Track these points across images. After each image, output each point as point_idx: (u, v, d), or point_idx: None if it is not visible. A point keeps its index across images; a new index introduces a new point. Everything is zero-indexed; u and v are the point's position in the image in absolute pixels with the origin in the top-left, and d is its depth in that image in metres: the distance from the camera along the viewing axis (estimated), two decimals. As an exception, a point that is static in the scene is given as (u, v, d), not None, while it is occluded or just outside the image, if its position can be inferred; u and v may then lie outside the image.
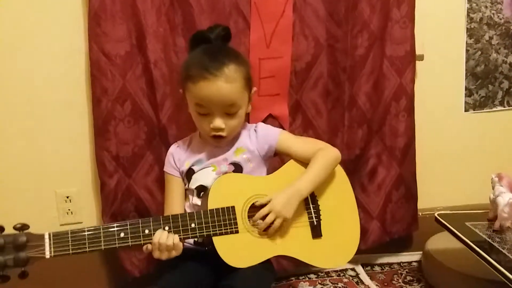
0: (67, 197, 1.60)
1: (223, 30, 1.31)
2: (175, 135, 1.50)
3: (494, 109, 1.81)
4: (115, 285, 1.65)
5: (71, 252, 1.07)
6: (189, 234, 1.15)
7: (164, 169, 1.37)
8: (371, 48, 1.60)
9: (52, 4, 1.47)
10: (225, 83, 1.19)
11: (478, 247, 1.25)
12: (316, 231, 1.27)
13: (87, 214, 1.62)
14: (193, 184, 1.30)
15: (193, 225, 1.15)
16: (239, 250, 1.18)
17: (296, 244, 1.25)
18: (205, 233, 1.15)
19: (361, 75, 1.61)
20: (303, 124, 1.60)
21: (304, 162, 1.31)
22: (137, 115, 1.49)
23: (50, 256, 1.05)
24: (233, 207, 1.19)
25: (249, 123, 1.46)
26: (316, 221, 1.28)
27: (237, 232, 1.18)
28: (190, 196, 1.31)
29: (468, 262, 1.42)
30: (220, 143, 1.29)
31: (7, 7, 1.45)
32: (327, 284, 1.65)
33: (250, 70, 1.29)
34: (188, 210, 1.31)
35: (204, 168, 1.30)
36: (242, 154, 1.31)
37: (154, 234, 1.11)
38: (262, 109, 1.54)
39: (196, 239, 1.26)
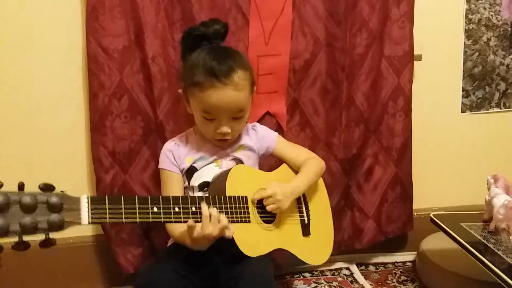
0: (62, 192, 1.58)
1: (223, 27, 1.28)
2: (172, 131, 1.49)
3: (491, 110, 1.82)
4: (109, 282, 1.64)
5: (108, 219, 0.94)
6: None
7: (162, 167, 1.33)
8: (370, 47, 1.59)
9: (50, -3, 1.46)
10: (234, 91, 1.19)
11: (473, 248, 1.25)
12: (306, 230, 1.35)
13: (82, 209, 1.61)
14: (196, 181, 1.29)
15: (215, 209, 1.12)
16: (250, 239, 1.18)
17: (291, 239, 1.30)
18: None
19: (359, 74, 1.61)
20: (300, 122, 1.60)
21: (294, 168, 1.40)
22: (134, 111, 1.49)
23: (88, 222, 0.91)
24: (246, 197, 1.20)
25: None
26: (307, 220, 1.35)
27: (248, 221, 1.19)
28: (190, 192, 1.31)
29: (462, 263, 1.43)
30: (224, 144, 1.30)
31: (5, 1, 1.44)
32: (322, 283, 1.65)
33: (253, 71, 1.30)
34: None
35: (206, 164, 1.30)
36: (243, 150, 1.34)
37: (196, 209, 1.06)
38: (260, 106, 1.54)
39: None
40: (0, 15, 1.44)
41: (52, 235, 0.85)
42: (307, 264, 1.37)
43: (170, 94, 1.48)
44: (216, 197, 1.13)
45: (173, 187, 1.31)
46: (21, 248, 0.82)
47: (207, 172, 1.29)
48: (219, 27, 1.27)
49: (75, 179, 1.58)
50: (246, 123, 1.41)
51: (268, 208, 1.21)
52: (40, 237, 0.85)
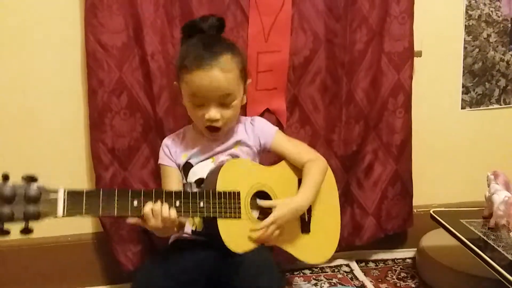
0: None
1: (218, 20, 1.29)
2: (171, 128, 1.49)
3: (491, 107, 1.81)
4: (109, 280, 1.64)
5: (84, 213, 0.99)
6: (197, 213, 1.13)
7: (160, 162, 1.34)
8: (370, 44, 1.59)
9: (48, -6, 1.46)
10: (220, 72, 1.19)
11: (473, 244, 1.25)
12: (305, 227, 1.33)
13: (81, 207, 1.60)
14: (192, 178, 1.29)
15: (202, 204, 1.13)
16: (239, 235, 1.18)
17: (287, 237, 1.28)
18: (211, 214, 1.14)
19: (359, 70, 1.60)
20: (300, 119, 1.59)
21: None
22: (134, 108, 1.48)
23: (63, 215, 0.97)
24: (238, 193, 1.19)
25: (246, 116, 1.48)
26: (307, 217, 1.33)
27: (239, 217, 1.18)
28: (188, 188, 1.28)
29: (462, 259, 1.42)
30: (215, 136, 1.28)
31: (3, -3, 1.43)
32: (322, 280, 1.65)
33: (246, 61, 1.30)
34: None
35: (202, 161, 1.30)
36: (240, 146, 1.32)
37: (139, 204, 1.06)
38: (260, 103, 1.53)
39: (194, 229, 1.27)
40: (-2, 11, 1.44)
41: (32, 224, 0.93)
42: (305, 262, 1.35)
43: (169, 91, 1.47)
44: (204, 192, 1.14)
45: (170, 182, 1.31)
46: (1, 234, 0.92)
47: (203, 168, 1.28)
48: (213, 21, 1.28)
49: (74, 176, 1.58)
50: (246, 116, 1.42)
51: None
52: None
